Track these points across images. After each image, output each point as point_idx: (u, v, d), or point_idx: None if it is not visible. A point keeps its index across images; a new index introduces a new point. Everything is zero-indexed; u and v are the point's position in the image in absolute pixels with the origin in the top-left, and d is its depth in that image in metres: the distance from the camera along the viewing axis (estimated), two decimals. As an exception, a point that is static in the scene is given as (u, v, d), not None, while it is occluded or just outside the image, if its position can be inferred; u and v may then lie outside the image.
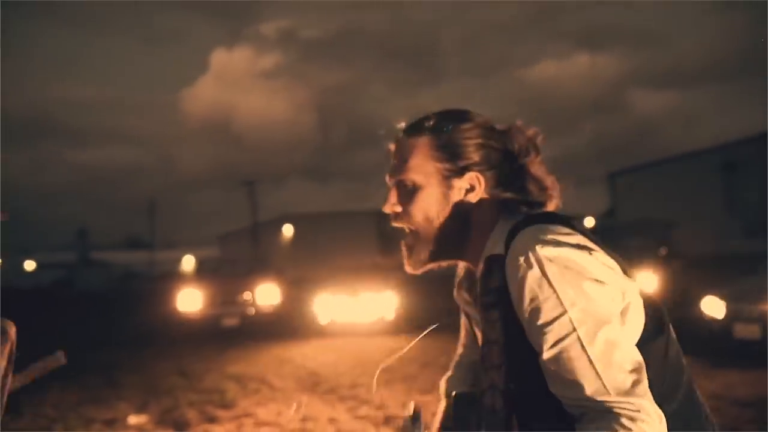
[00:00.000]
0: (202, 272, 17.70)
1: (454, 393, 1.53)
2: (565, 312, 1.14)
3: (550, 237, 1.19)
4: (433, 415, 1.59)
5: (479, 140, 1.35)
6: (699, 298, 8.48)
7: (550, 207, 1.36)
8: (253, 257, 30.67)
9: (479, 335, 1.41)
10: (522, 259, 1.18)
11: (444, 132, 1.35)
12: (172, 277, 28.07)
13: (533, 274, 1.16)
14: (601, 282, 1.17)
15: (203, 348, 11.51)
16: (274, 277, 15.69)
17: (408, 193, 1.36)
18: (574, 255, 1.17)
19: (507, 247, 1.25)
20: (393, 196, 1.38)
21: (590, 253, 1.18)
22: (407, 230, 1.37)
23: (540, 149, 1.39)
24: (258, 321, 13.87)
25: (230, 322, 13.71)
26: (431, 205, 1.34)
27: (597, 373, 1.12)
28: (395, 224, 1.38)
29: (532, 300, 1.17)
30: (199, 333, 13.24)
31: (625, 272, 1.23)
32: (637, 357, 1.15)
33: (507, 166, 1.36)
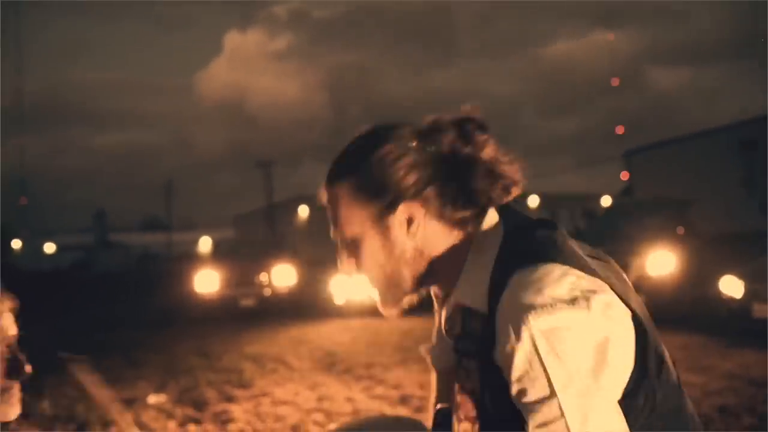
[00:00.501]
0: (219, 253, 17.86)
1: (438, 407, 1.44)
2: (554, 396, 1.05)
3: (542, 298, 1.06)
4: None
5: (406, 159, 1.17)
6: (717, 277, 8.42)
7: (515, 192, 1.22)
8: (268, 238, 30.80)
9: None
10: (512, 328, 1.06)
11: (360, 169, 1.19)
12: (189, 258, 28.25)
13: (523, 350, 1.06)
14: (597, 346, 1.05)
15: (221, 328, 11.60)
16: (290, 257, 15.75)
17: (352, 248, 1.25)
18: (570, 320, 1.05)
19: (490, 296, 1.13)
20: (343, 254, 1.28)
21: (588, 306, 1.06)
22: (370, 281, 1.28)
23: (486, 126, 1.20)
24: (274, 302, 13.97)
25: (247, 302, 13.82)
26: (377, 254, 1.22)
27: None
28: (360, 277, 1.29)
29: (521, 377, 1.07)
30: (217, 314, 13.34)
31: (620, 296, 1.11)
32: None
33: (451, 169, 1.17)
